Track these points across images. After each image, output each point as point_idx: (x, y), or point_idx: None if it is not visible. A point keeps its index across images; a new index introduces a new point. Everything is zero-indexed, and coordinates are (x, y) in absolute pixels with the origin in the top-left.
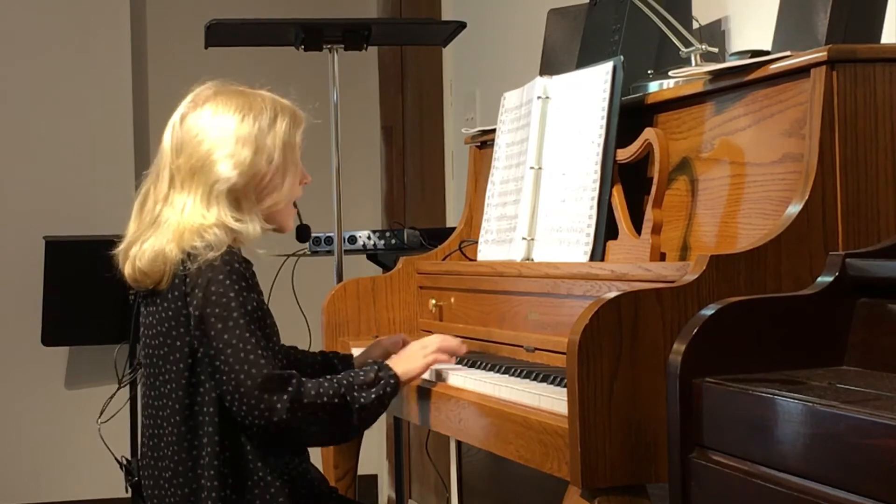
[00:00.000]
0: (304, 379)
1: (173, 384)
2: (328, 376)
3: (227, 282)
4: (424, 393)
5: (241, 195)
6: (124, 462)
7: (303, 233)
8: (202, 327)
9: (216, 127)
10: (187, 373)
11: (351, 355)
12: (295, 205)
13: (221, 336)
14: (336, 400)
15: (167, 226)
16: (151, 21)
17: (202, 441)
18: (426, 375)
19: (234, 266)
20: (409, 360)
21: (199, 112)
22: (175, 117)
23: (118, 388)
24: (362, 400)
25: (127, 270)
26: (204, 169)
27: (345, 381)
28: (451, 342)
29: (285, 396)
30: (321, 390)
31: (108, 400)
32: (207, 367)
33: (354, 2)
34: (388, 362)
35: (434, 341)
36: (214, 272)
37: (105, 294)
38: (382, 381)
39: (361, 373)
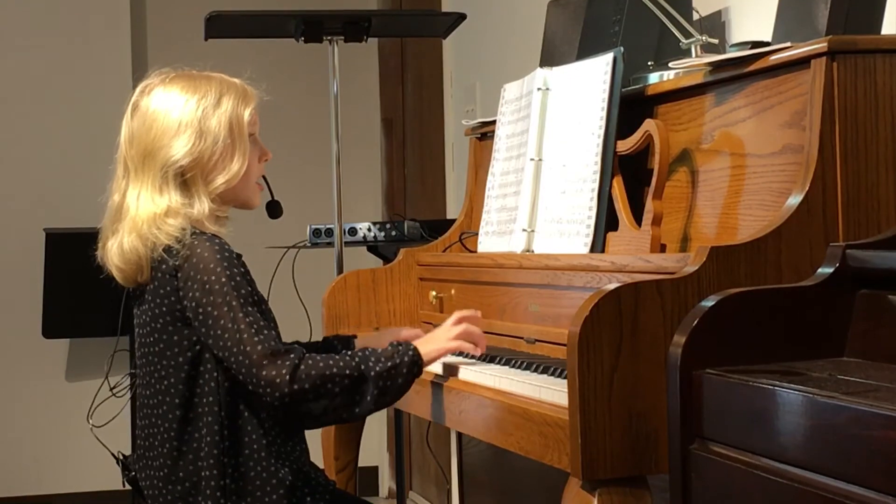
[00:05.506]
0: (312, 354)
1: (172, 379)
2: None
3: (219, 269)
4: (425, 384)
5: (189, 178)
6: (121, 457)
7: (273, 209)
8: (200, 318)
9: (162, 113)
10: (187, 366)
11: (354, 336)
12: (267, 182)
13: (218, 321)
14: (347, 371)
15: (127, 218)
16: (151, 17)
17: (201, 433)
18: (431, 367)
19: (224, 254)
20: (431, 341)
21: (148, 100)
22: (127, 108)
23: (110, 395)
24: (378, 368)
25: (112, 270)
26: (153, 155)
27: (359, 354)
28: (476, 329)
29: (284, 371)
30: (331, 362)
31: (94, 398)
32: (211, 359)
33: None
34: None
35: (459, 326)
36: (205, 262)
37: (106, 286)
38: (401, 351)
39: (379, 350)
